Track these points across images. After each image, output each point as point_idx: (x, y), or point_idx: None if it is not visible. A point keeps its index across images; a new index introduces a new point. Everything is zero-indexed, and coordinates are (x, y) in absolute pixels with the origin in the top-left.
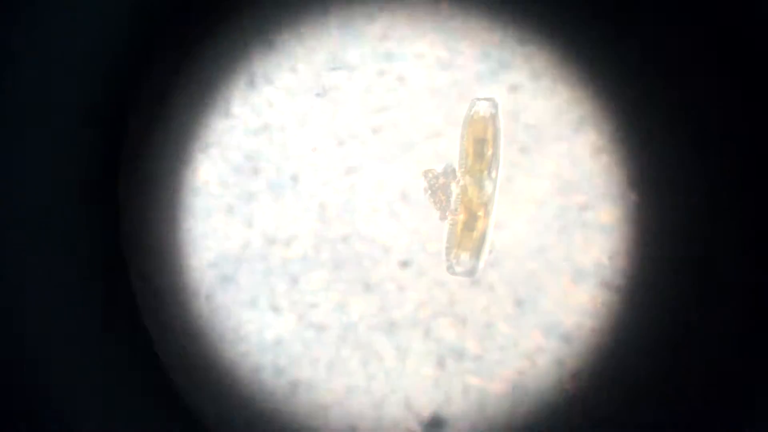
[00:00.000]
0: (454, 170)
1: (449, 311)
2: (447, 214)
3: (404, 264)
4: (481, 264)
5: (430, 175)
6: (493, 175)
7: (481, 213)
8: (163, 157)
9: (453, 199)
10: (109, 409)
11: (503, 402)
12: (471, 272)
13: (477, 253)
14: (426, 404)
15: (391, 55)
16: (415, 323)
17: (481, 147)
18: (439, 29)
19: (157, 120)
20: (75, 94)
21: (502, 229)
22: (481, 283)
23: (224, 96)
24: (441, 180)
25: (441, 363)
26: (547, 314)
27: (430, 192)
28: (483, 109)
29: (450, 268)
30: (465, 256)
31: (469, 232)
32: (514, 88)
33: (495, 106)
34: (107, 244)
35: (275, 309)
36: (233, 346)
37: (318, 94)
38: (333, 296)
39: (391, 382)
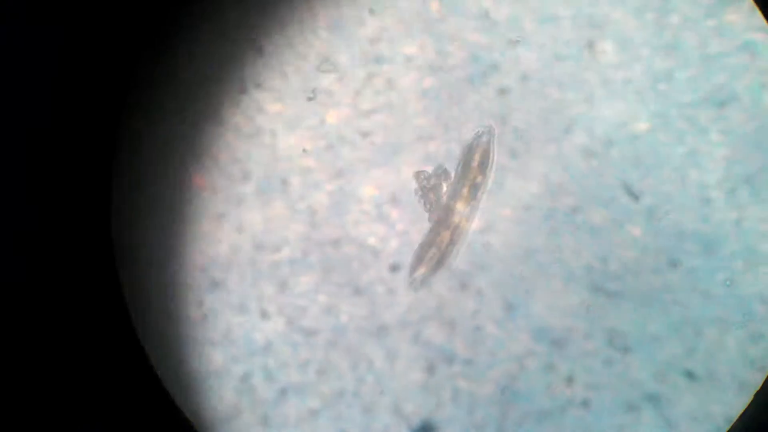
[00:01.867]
0: (445, 170)
1: (439, 315)
2: (435, 216)
3: (394, 267)
4: (436, 279)
5: (422, 176)
6: (472, 202)
7: (447, 234)
8: (154, 162)
9: (443, 201)
10: (100, 414)
11: (493, 406)
12: (424, 286)
13: (434, 269)
14: (416, 408)
15: (380, 58)
16: (404, 327)
17: (469, 173)
18: (428, 32)
19: (148, 125)
20: (66, 99)
21: (491, 232)
22: (470, 287)
23: (214, 101)
24: (433, 181)
25: (430, 367)
26: (537, 318)
27: (421, 193)
28: (478, 137)
29: (412, 284)
30: (425, 273)
31: (433, 247)
32: (502, 91)
33: (491, 134)
34: (98, 250)
35: (264, 313)
36: (223, 351)
37: (309, 99)
38: (322, 300)
39: (381, 386)
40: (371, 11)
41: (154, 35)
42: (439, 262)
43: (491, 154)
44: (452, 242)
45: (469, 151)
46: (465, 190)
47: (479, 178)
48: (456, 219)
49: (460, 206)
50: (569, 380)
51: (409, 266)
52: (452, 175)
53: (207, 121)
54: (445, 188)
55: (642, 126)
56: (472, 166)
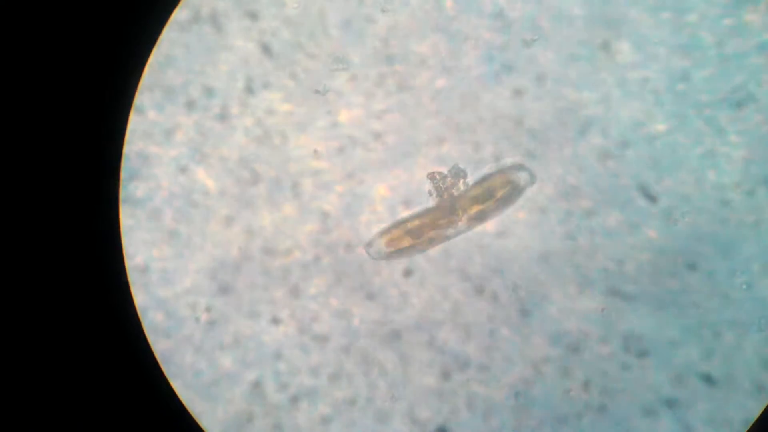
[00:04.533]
0: (461, 170)
1: (453, 320)
2: (447, 214)
3: (407, 271)
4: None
5: (437, 176)
6: (474, 221)
7: (431, 236)
8: (163, 164)
9: (456, 203)
10: (109, 420)
11: (509, 412)
12: (377, 257)
13: (396, 253)
14: (430, 415)
15: (392, 58)
16: (418, 331)
17: (489, 200)
18: (442, 31)
19: (156, 126)
20: (72, 99)
21: (507, 235)
22: (485, 291)
23: (223, 102)
24: (449, 180)
25: (445, 373)
26: (553, 322)
27: (436, 194)
28: (516, 170)
29: (367, 245)
30: (383, 246)
31: (409, 236)
32: (518, 92)
33: (530, 179)
34: (107, 254)
35: (275, 318)
36: (234, 356)
37: (317, 92)
38: (334, 304)
39: (394, 391)
40: (383, 10)
41: (159, 36)
42: (406, 251)
43: (519, 197)
44: (429, 242)
45: (500, 179)
46: (474, 211)
47: (494, 209)
48: (448, 228)
49: (459, 218)
50: (586, 385)
51: (378, 232)
52: (468, 175)
53: (216, 122)
54: (462, 186)
55: (659, 127)
56: (496, 196)
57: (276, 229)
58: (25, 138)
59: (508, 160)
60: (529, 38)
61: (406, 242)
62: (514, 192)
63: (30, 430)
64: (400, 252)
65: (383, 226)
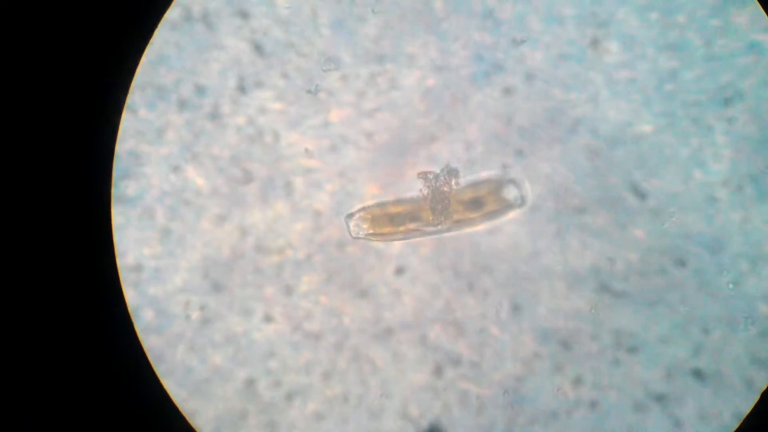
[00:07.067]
0: (453, 169)
1: (445, 318)
2: (441, 218)
3: (399, 270)
4: (363, 235)
5: (430, 176)
6: (448, 224)
7: (411, 227)
8: (154, 163)
9: (449, 203)
10: (102, 418)
11: (501, 409)
12: (355, 233)
13: (372, 234)
14: (423, 412)
15: (383, 57)
16: (410, 330)
17: (476, 206)
18: (432, 31)
19: (148, 125)
20: (64, 97)
21: (497, 233)
22: (476, 289)
23: (215, 100)
24: (442, 179)
25: (437, 370)
26: (543, 320)
27: (426, 191)
28: (509, 193)
29: (348, 216)
30: (364, 225)
31: (389, 221)
32: (507, 91)
33: (519, 204)
34: (98, 252)
35: (268, 316)
36: (226, 355)
37: (309, 91)
38: (327, 303)
39: (386, 389)
40: (374, 10)
41: (151, 35)
42: (383, 236)
43: (506, 214)
44: (408, 233)
45: (493, 194)
46: (459, 216)
47: (480, 220)
48: (429, 225)
49: (444, 218)
50: (577, 381)
51: (360, 208)
52: (459, 174)
53: (208, 121)
54: (453, 186)
55: (647, 126)
56: (484, 209)
57: (268, 227)
58: (16, 136)
59: (506, 175)
60: (519, 38)
61: (385, 227)
62: (503, 210)
63: (21, 428)
64: (376, 235)
65: (367, 203)
